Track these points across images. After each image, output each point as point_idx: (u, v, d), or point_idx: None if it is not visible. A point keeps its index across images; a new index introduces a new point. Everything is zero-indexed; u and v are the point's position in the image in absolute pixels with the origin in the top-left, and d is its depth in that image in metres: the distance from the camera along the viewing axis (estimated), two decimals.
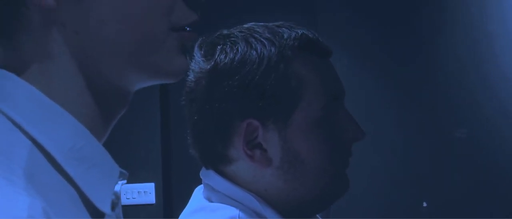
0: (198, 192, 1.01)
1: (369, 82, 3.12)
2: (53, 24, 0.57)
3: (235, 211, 0.93)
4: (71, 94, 0.58)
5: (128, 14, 0.58)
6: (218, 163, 0.96)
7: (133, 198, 3.14)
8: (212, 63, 0.93)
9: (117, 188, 0.62)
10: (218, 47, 0.94)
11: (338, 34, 3.07)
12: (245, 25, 0.97)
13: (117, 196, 0.63)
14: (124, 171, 0.62)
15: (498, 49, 2.95)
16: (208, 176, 0.98)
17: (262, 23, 0.96)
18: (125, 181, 0.63)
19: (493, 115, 2.93)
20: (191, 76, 0.96)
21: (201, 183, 1.01)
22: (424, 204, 3.00)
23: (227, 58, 0.92)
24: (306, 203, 0.96)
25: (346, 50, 3.08)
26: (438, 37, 3.05)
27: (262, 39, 0.93)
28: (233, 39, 0.94)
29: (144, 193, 3.16)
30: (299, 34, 0.94)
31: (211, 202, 0.97)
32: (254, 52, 0.92)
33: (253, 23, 0.97)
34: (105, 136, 0.63)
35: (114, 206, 0.62)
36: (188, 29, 0.63)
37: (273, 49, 0.92)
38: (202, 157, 0.98)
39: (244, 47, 0.92)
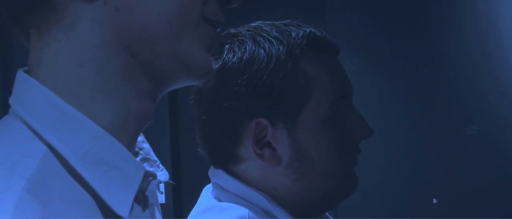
0: (207, 192, 1.01)
1: (379, 81, 3.12)
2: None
3: (244, 210, 0.93)
4: (100, 88, 0.57)
5: None
6: (228, 162, 0.96)
7: None
8: (220, 62, 0.93)
9: (152, 187, 0.61)
10: (226, 46, 0.94)
11: (348, 34, 3.07)
12: (253, 24, 0.96)
13: (152, 195, 0.62)
14: (151, 171, 0.61)
15: (508, 46, 2.94)
16: (217, 175, 0.97)
17: (269, 22, 0.95)
18: (166, 179, 0.62)
19: (504, 112, 2.92)
20: None
21: (210, 182, 1.01)
22: (434, 201, 2.99)
23: (235, 57, 0.92)
24: (315, 202, 0.96)
25: (356, 49, 3.07)
26: (447, 35, 3.04)
27: (270, 38, 0.92)
28: (241, 38, 0.93)
29: None
30: (307, 32, 0.93)
31: (221, 201, 0.97)
32: (262, 51, 0.91)
33: (260, 21, 0.96)
34: (137, 135, 0.62)
35: (146, 205, 0.62)
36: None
37: (281, 48, 0.92)
38: (211, 157, 0.98)
39: (252, 46, 0.92)
